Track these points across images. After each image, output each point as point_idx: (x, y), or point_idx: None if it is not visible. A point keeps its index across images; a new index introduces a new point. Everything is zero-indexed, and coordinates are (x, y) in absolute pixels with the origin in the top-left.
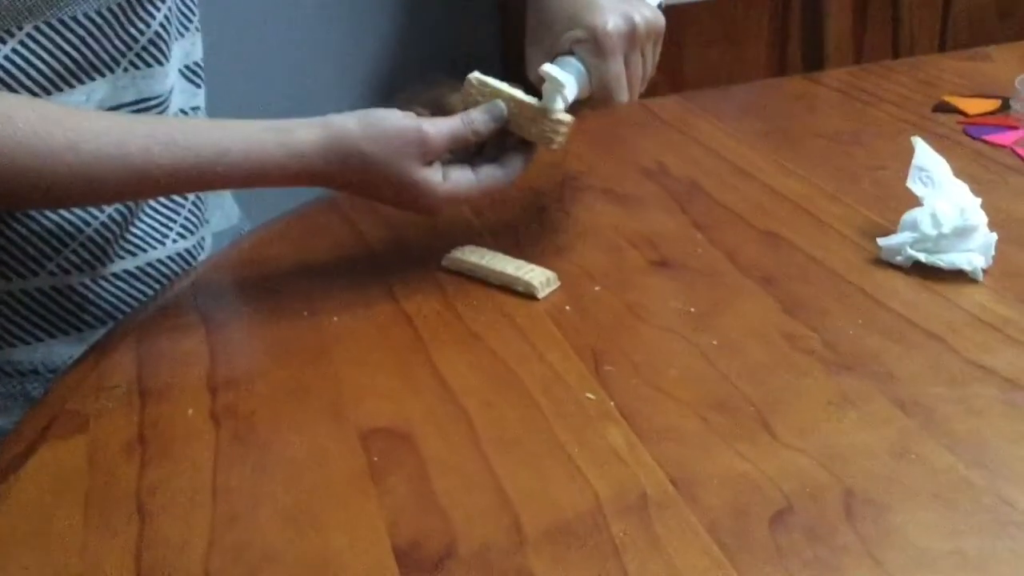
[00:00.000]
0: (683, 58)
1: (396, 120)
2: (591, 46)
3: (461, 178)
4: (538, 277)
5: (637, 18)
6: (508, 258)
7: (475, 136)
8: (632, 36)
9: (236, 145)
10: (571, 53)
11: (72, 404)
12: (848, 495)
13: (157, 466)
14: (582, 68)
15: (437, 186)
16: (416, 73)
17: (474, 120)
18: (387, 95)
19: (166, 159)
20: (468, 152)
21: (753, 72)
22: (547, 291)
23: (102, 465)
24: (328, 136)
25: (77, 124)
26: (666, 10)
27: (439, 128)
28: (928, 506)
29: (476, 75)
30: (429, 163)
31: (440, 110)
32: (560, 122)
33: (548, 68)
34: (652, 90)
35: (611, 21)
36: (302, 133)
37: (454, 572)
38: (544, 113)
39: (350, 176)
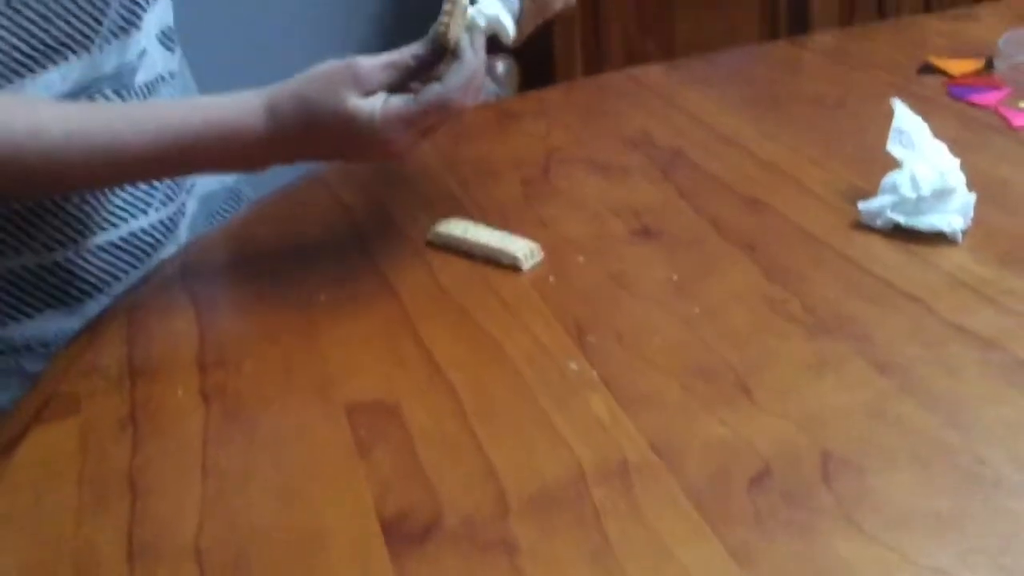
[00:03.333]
0: (675, 26)
1: (330, 61)
2: None
3: (399, 100)
4: (522, 249)
5: None
6: (492, 230)
7: (414, 60)
8: None
9: (195, 120)
10: None
11: (64, 386)
12: (825, 457)
13: (148, 445)
14: None
15: (373, 111)
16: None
17: (412, 46)
18: None
19: (137, 143)
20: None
21: (745, 38)
22: (531, 263)
23: (94, 445)
24: (273, 92)
25: (38, 113)
26: None
27: (373, 58)
28: (904, 466)
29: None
30: (367, 93)
31: None
32: None
33: None
34: (643, 58)
35: None
36: (249, 95)
37: (440, 542)
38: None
39: (300, 128)
